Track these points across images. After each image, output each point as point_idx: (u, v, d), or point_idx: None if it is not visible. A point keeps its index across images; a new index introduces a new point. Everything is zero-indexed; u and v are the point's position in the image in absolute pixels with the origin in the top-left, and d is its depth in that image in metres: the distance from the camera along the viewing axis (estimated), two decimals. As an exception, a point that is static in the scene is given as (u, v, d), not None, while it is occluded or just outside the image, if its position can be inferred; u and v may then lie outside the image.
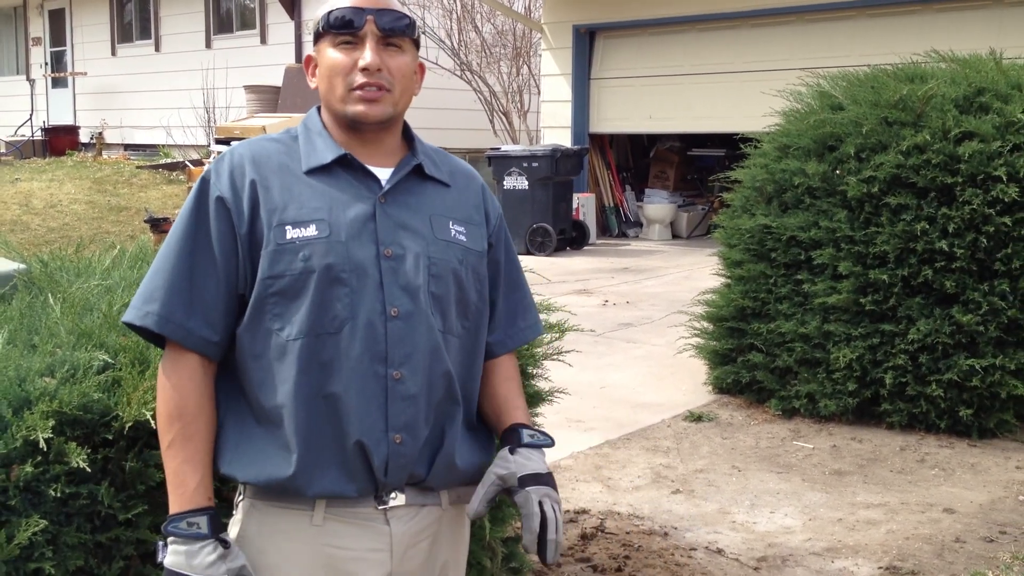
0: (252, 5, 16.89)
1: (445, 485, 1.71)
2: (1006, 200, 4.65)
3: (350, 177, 1.67)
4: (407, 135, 1.78)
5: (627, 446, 4.84)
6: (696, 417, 5.23)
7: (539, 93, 14.18)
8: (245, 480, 1.63)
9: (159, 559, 1.58)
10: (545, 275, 7.29)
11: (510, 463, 1.67)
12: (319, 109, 1.76)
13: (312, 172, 1.66)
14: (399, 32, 1.66)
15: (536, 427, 1.77)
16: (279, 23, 16.20)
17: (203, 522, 1.57)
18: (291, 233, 1.60)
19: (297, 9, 15.87)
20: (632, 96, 12.71)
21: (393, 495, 1.65)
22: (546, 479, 1.67)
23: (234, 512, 1.70)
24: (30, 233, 10.29)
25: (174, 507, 1.59)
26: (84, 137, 18.65)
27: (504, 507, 2.90)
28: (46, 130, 18.41)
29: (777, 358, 5.22)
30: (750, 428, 5.09)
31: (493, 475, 1.67)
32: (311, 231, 1.61)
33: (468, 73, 15.19)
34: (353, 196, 1.65)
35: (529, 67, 15.46)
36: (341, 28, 1.64)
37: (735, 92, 11.51)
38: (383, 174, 1.69)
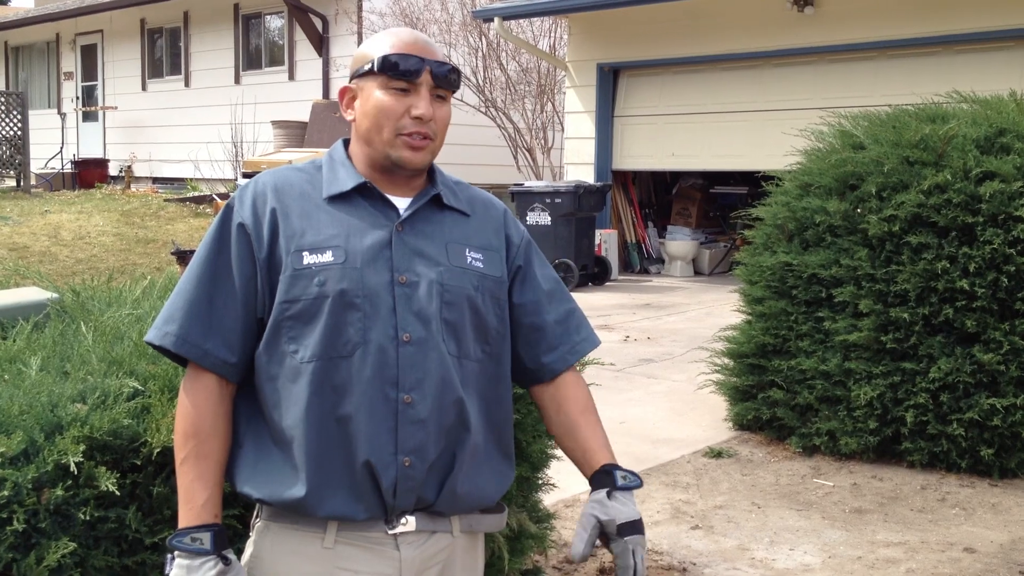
0: (281, 42, 17.15)
1: (454, 511, 1.74)
2: (1027, 240, 4.66)
3: (369, 205, 1.73)
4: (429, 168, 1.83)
5: (646, 481, 4.85)
6: (716, 453, 5.24)
7: (563, 130, 14.30)
8: (260, 498, 1.68)
9: (166, 572, 1.63)
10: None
11: (608, 508, 1.71)
12: (346, 142, 1.81)
13: (332, 200, 1.72)
14: (449, 84, 1.73)
15: (622, 468, 1.79)
16: (307, 60, 16.43)
17: (206, 538, 1.62)
18: (308, 259, 1.66)
19: (325, 47, 16.10)
20: (655, 134, 12.79)
21: (403, 520, 1.68)
22: (639, 526, 1.72)
23: (250, 533, 1.75)
24: (59, 264, 10.43)
25: (182, 522, 1.64)
26: (113, 170, 18.91)
27: (523, 539, 2.92)
28: (76, 163, 18.68)
29: (798, 395, 5.22)
30: (770, 465, 5.09)
31: (593, 519, 1.70)
32: (327, 257, 1.66)
33: (493, 110, 15.33)
34: (370, 224, 1.71)
35: (553, 104, 15.59)
36: (399, 74, 1.68)
37: (757, 131, 11.57)
38: (402, 203, 1.75)
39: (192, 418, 1.67)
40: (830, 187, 5.27)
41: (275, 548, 1.69)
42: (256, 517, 1.74)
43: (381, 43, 1.72)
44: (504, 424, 1.83)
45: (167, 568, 1.63)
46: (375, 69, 1.70)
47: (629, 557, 1.68)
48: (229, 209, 1.73)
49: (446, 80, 1.72)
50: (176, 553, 1.62)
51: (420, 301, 1.68)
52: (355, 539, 1.67)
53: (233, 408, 1.72)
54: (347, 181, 1.73)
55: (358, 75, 1.74)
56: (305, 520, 1.66)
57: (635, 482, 1.76)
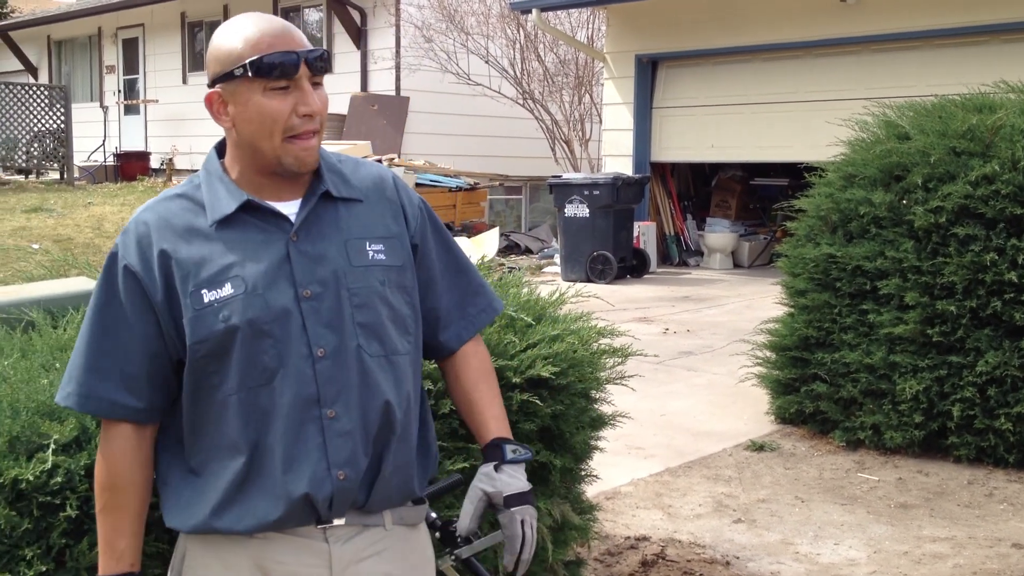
0: (319, 35, 17.22)
1: (385, 507, 1.72)
2: (1078, 231, 4.57)
3: (258, 221, 1.66)
4: None
5: (688, 474, 4.82)
6: (758, 447, 5.20)
7: (601, 122, 14.24)
8: (191, 531, 1.67)
9: None
10: (606, 302, 7.29)
11: (496, 481, 1.73)
12: (217, 149, 1.73)
13: (218, 225, 1.65)
14: (322, 70, 1.64)
15: (513, 441, 1.81)
16: (345, 53, 16.49)
17: None
18: (208, 296, 1.61)
19: (363, 39, 16.15)
20: (694, 125, 12.70)
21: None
22: (528, 497, 1.74)
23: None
24: (102, 256, 10.55)
25: (101, 570, 1.65)
26: (155, 163, 19.09)
27: (566, 530, 2.91)
28: (118, 156, 18.87)
29: (841, 388, 5.17)
30: (813, 459, 5.04)
31: (480, 491, 1.72)
32: (227, 290, 1.61)
33: (531, 102, 15.30)
34: (263, 241, 1.65)
35: (591, 96, 15.53)
36: (278, 75, 1.59)
37: (799, 122, 11.46)
38: (292, 208, 1.68)
39: (107, 470, 1.66)
40: (875, 178, 5.20)
41: (205, 541, 1.68)
42: None
43: (245, 41, 1.60)
44: (424, 412, 1.82)
45: None
46: (249, 74, 1.59)
47: (516, 526, 1.70)
48: (113, 256, 1.67)
49: (320, 66, 1.63)
50: None
51: (329, 312, 1.64)
52: (284, 532, 1.66)
53: (156, 449, 1.71)
54: (229, 202, 1.65)
55: (225, 79, 1.62)
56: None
57: (524, 455, 1.77)
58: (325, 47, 16.69)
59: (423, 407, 1.82)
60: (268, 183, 1.67)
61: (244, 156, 1.66)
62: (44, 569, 1.85)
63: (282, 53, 1.58)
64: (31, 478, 1.84)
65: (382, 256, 1.70)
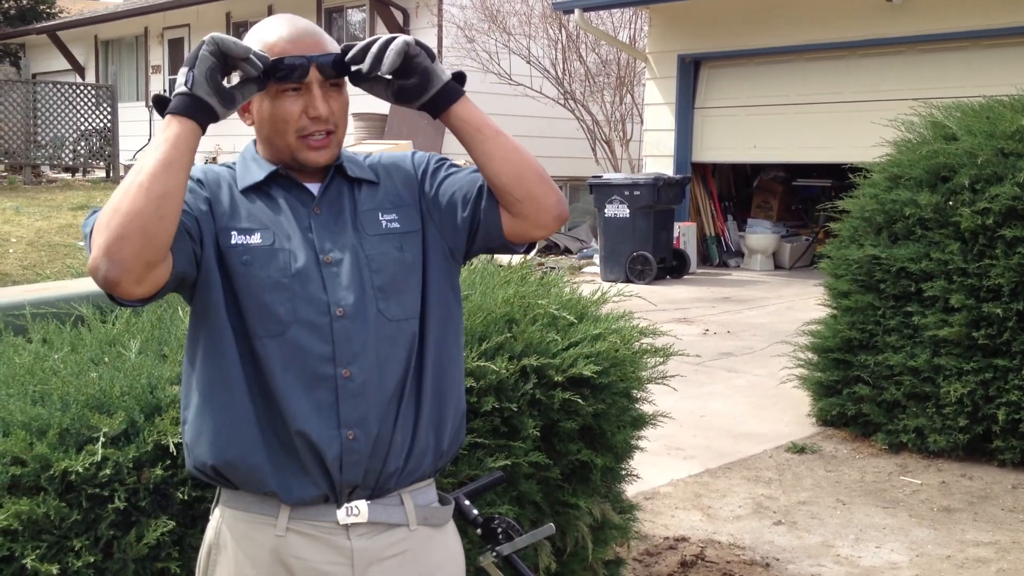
0: (362, 36, 17.32)
1: (399, 485, 1.71)
2: None
3: (284, 192, 1.74)
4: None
5: (728, 475, 4.80)
6: (799, 449, 5.16)
7: (642, 122, 14.19)
8: (214, 462, 1.66)
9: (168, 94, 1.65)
10: (647, 302, 7.28)
11: None
12: (255, 143, 1.80)
13: (248, 191, 1.73)
14: (339, 74, 1.68)
15: None
16: (387, 52, 16.56)
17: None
18: (236, 239, 1.67)
19: (405, 38, 16.20)
20: (736, 125, 12.63)
21: (355, 510, 1.67)
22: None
23: (211, 518, 1.76)
24: (147, 253, 10.67)
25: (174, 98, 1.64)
26: (198, 161, 19.30)
27: (606, 529, 2.92)
28: (163, 154, 19.08)
29: (884, 391, 5.12)
30: (855, 461, 5.00)
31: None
32: (255, 239, 1.68)
33: (571, 102, 15.28)
34: (289, 209, 1.72)
35: (632, 96, 15.48)
36: (286, 79, 1.65)
37: (842, 122, 11.35)
38: (315, 188, 1.76)
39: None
40: (921, 179, 5.15)
41: (232, 532, 1.70)
42: (215, 503, 1.76)
43: (263, 45, 1.68)
44: (449, 390, 1.77)
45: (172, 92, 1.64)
46: (261, 75, 1.65)
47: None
48: None
49: (335, 71, 1.68)
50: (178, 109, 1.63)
51: (349, 275, 1.68)
52: (306, 528, 1.67)
53: (183, 380, 1.74)
54: (259, 172, 1.74)
55: None
56: (258, 506, 1.67)
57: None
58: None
59: (448, 384, 1.77)
60: (292, 170, 1.75)
61: (266, 150, 1.76)
62: (92, 560, 1.88)
63: (292, 58, 1.65)
64: (80, 470, 1.87)
65: (396, 224, 1.75)
